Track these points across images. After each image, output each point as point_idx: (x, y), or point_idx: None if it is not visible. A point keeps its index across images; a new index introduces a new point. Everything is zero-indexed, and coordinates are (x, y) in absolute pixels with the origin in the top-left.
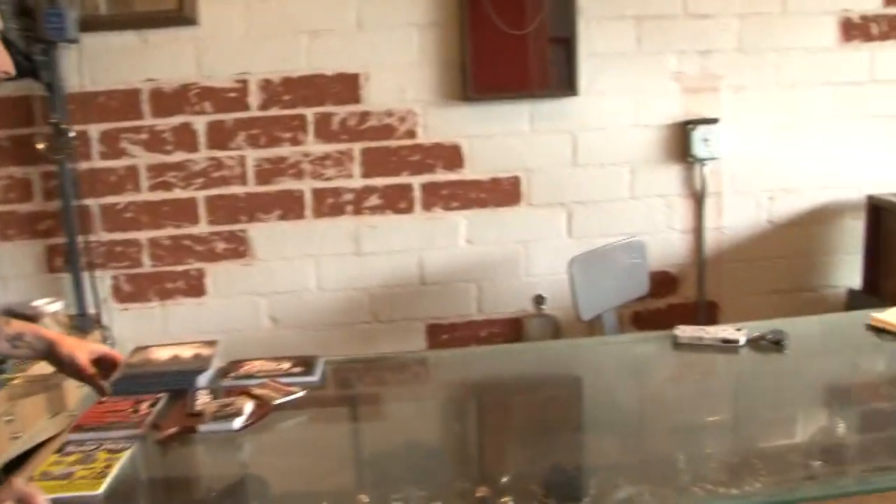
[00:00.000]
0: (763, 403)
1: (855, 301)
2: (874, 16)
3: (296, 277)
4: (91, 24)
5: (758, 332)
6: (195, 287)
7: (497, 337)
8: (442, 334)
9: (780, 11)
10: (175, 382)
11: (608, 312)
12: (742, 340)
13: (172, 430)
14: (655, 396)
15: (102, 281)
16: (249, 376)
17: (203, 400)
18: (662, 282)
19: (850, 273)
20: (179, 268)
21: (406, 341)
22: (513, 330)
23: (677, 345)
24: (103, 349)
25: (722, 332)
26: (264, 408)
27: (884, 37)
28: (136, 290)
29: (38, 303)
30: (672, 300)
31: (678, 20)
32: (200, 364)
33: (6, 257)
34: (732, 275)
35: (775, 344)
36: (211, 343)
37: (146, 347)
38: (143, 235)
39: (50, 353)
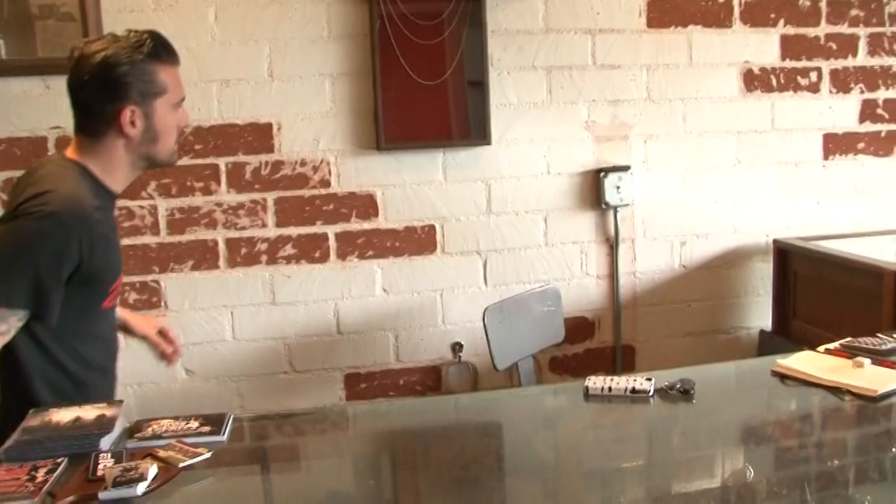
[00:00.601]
0: (674, 450)
1: (766, 341)
2: (773, 68)
3: (211, 328)
4: None
5: (667, 381)
6: None
7: (416, 385)
8: (360, 383)
9: (687, 63)
10: (76, 446)
11: (524, 360)
12: (651, 390)
13: (70, 499)
14: (569, 447)
15: None
16: (156, 436)
17: (105, 464)
18: (579, 327)
19: (761, 314)
20: None
21: (324, 391)
22: (431, 378)
23: (588, 395)
24: (162, 324)
25: (631, 382)
26: (170, 471)
27: (782, 88)
28: None
29: None
30: (589, 345)
31: (588, 70)
32: (103, 426)
33: None
34: (648, 319)
35: (684, 393)
36: (116, 403)
37: (46, 409)
38: None
39: (125, 328)
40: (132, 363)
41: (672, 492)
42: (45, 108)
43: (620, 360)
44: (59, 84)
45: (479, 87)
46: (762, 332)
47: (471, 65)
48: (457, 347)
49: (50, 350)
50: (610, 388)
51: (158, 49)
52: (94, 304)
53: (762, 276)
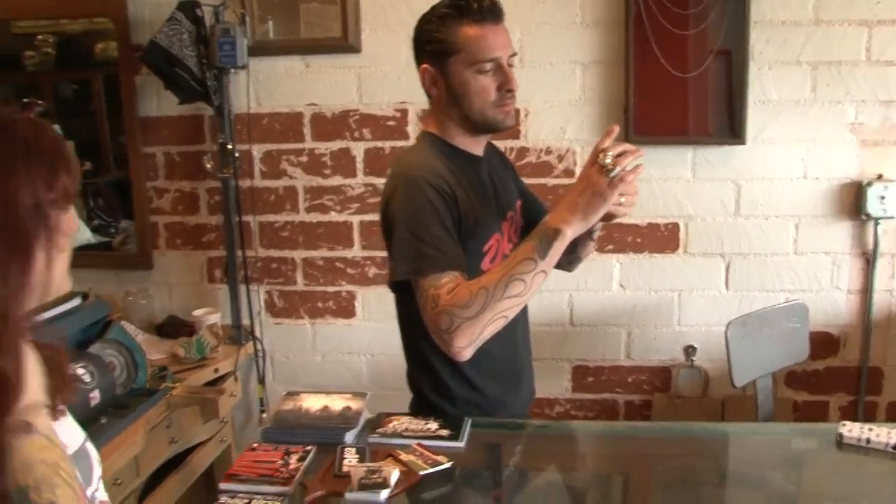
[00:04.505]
0: None
1: None
2: None
3: None
4: (260, 49)
5: None
6: (345, 308)
7: (643, 385)
8: (587, 377)
9: None
10: (324, 437)
11: (763, 378)
12: None
13: (319, 494)
14: (816, 498)
15: (257, 295)
16: (396, 434)
17: (350, 460)
18: (822, 343)
19: None
20: (331, 289)
21: (550, 380)
22: (660, 379)
23: (842, 444)
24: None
25: (894, 436)
26: (410, 477)
27: None
28: (288, 306)
29: (197, 313)
30: (832, 363)
31: (859, 67)
32: (349, 420)
33: (173, 265)
34: None
35: None
36: (360, 395)
37: (297, 393)
38: (297, 254)
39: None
40: (366, 334)
41: None
42: (303, 85)
43: (865, 381)
44: (318, 63)
45: (738, 81)
46: None
47: (728, 59)
48: (690, 350)
49: None
50: (868, 440)
51: (461, 4)
52: (473, 264)
53: None
